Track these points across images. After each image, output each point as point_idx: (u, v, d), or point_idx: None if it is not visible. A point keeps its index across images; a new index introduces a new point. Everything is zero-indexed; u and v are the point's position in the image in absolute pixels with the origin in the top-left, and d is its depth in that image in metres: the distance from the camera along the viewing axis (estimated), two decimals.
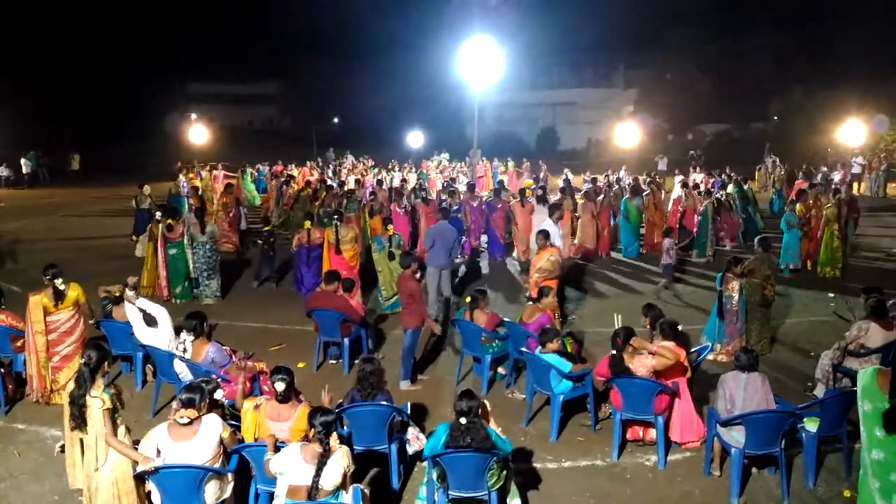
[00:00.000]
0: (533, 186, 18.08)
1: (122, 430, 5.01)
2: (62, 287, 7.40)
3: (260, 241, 13.12)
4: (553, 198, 16.14)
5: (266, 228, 13.02)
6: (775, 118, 42.41)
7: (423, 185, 20.47)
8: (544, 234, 9.52)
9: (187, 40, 52.47)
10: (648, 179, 19.97)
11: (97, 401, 4.85)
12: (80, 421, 4.90)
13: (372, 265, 11.31)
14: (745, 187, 18.30)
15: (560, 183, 21.23)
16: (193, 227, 11.53)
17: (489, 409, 5.49)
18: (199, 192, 18.33)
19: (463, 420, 4.86)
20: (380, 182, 20.40)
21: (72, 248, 16.20)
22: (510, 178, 27.30)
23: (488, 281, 13.32)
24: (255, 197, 24.93)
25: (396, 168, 28.53)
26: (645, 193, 16.25)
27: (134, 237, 15.84)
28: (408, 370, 8.06)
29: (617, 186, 18.60)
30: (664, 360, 6.19)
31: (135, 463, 4.81)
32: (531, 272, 9.32)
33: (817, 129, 34.44)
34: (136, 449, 4.88)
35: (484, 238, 15.90)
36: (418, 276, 8.48)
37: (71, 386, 4.98)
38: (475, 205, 15.32)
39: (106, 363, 5.15)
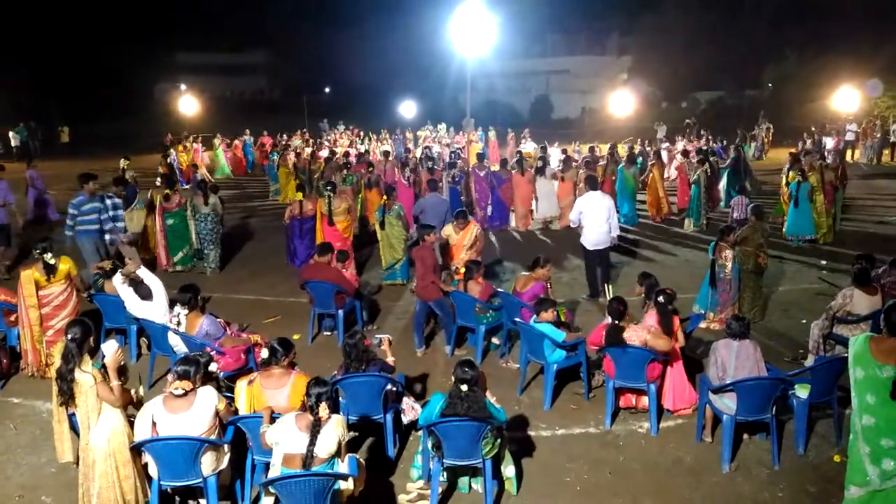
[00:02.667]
0: (539, 156, 18.04)
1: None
2: (52, 262, 7.37)
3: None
4: (554, 168, 16.20)
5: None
6: (769, 85, 42.22)
7: (431, 155, 20.32)
8: (464, 215, 9.65)
9: (175, 10, 51.75)
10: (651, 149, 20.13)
11: (87, 377, 4.83)
12: (68, 396, 4.89)
13: (368, 237, 11.31)
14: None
15: (555, 153, 21.18)
16: (196, 198, 11.58)
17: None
18: (170, 164, 18.41)
19: (464, 387, 4.89)
20: (386, 153, 20.18)
21: (62, 222, 16.06)
22: (492, 148, 27.13)
23: (486, 252, 13.31)
24: (223, 167, 24.80)
25: (388, 137, 28.42)
26: (651, 162, 16.33)
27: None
28: (451, 335, 8.16)
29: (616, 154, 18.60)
30: (659, 342, 6.19)
31: (130, 435, 4.84)
32: (459, 253, 9.41)
33: (811, 95, 34.35)
34: (133, 422, 4.91)
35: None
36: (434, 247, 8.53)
37: (59, 362, 4.96)
38: (482, 175, 15.28)
39: (90, 338, 5.06)
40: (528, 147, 24.42)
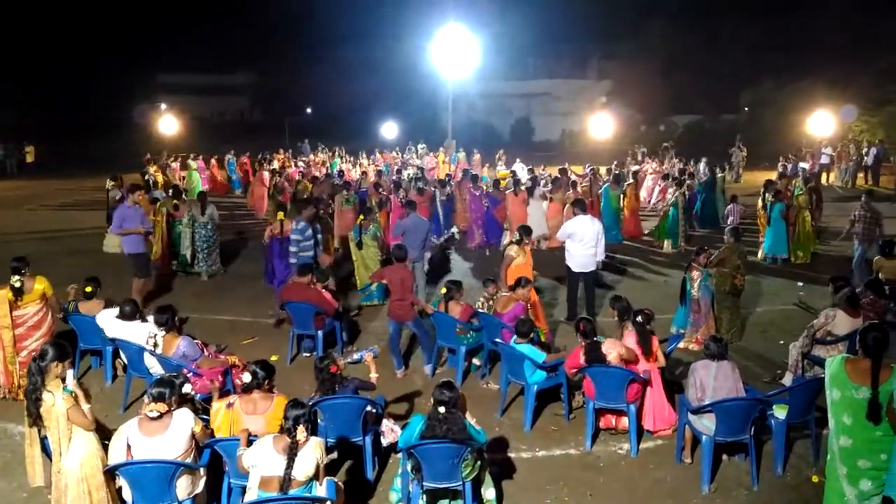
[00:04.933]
0: (515, 177, 18.16)
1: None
2: (18, 284, 7.21)
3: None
4: (545, 189, 16.28)
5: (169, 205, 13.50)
6: (746, 109, 42.87)
7: (422, 175, 20.24)
8: (528, 232, 9.51)
9: (156, 30, 51.66)
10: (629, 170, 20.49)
11: (59, 399, 4.71)
12: (35, 416, 4.80)
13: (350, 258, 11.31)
14: (718, 175, 18.75)
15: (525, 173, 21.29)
16: (195, 208, 12.66)
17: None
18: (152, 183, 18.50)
19: (441, 409, 4.86)
20: (379, 173, 20.03)
21: (40, 241, 15.89)
22: (459, 168, 27.25)
23: (467, 271, 13.34)
24: (197, 187, 24.58)
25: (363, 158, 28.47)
26: (627, 183, 16.52)
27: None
28: (431, 355, 8.19)
29: (608, 177, 18.79)
30: (622, 350, 6.32)
31: (104, 459, 4.75)
32: (531, 274, 9.01)
33: (787, 120, 34.89)
34: (107, 446, 4.82)
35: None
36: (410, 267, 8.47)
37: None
38: (477, 194, 15.36)
39: (55, 363, 4.83)
40: (503, 169, 24.58)
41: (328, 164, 27.05)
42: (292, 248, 9.47)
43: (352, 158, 29.55)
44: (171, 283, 12.23)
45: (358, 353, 6.24)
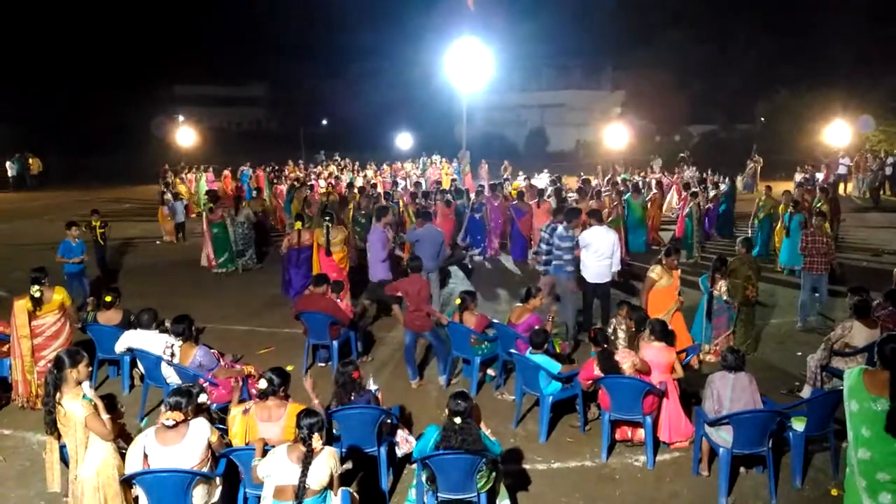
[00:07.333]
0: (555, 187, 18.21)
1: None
2: (37, 294, 7.31)
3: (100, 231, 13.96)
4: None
5: (95, 222, 13.63)
6: (762, 119, 42.67)
7: (447, 189, 20.29)
8: (677, 251, 8.88)
9: (174, 42, 52.27)
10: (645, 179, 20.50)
11: (78, 407, 4.76)
12: (51, 427, 4.85)
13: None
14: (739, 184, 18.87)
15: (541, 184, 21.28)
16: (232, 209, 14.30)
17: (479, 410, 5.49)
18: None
19: (457, 420, 4.86)
20: (417, 184, 20.06)
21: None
22: (465, 179, 27.29)
23: (481, 281, 13.32)
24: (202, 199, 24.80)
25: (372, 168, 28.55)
26: (652, 193, 16.49)
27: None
28: (446, 365, 8.18)
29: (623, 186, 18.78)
30: (643, 363, 6.30)
31: (120, 468, 4.78)
32: (669, 301, 8.39)
33: (803, 130, 34.68)
34: (124, 455, 4.85)
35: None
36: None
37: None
38: (496, 204, 15.37)
39: (70, 370, 4.82)
40: (514, 180, 24.61)
41: (336, 175, 27.17)
42: (556, 251, 9.30)
43: (355, 165, 29.66)
44: (189, 293, 12.33)
45: (373, 386, 6.24)
